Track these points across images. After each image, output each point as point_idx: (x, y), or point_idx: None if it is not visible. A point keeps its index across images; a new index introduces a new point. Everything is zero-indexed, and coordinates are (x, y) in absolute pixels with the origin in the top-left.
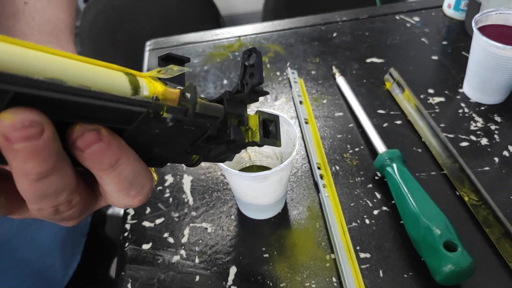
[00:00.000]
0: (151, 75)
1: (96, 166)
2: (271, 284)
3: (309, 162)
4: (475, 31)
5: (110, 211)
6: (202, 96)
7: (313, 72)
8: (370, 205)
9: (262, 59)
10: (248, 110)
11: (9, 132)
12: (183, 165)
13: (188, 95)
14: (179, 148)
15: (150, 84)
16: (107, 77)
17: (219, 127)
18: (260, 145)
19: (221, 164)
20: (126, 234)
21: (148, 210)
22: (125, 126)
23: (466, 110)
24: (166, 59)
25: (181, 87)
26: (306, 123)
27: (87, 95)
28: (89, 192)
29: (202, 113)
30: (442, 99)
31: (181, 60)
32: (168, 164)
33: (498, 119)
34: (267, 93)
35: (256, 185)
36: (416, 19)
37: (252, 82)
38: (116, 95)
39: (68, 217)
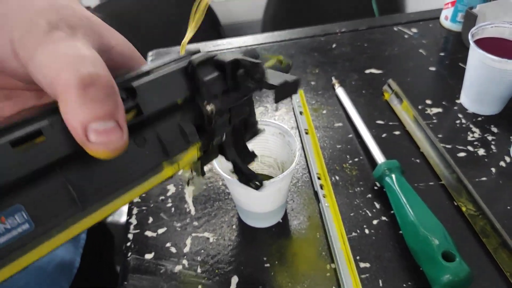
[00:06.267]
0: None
1: None
2: None
3: (309, 172)
4: (472, 44)
5: (109, 218)
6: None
7: (313, 83)
8: (370, 215)
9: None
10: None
11: None
12: (185, 175)
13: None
14: None
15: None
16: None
17: None
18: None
19: (222, 173)
20: (128, 243)
21: (151, 220)
22: None
23: (463, 120)
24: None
25: (211, 107)
26: (306, 133)
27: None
28: None
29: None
30: (439, 109)
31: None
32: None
33: (494, 129)
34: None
35: (255, 194)
36: (414, 30)
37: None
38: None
39: None
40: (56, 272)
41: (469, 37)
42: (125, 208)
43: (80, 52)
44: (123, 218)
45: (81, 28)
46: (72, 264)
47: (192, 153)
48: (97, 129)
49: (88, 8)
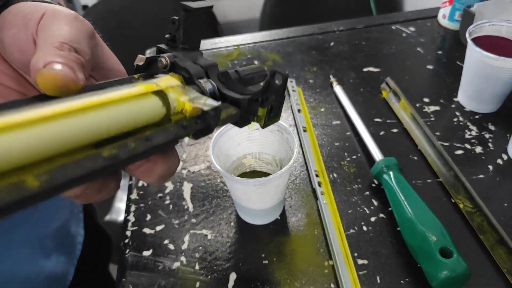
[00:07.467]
0: (177, 84)
1: (143, 178)
2: None
3: (307, 169)
4: (469, 42)
5: (107, 217)
6: (222, 70)
7: (311, 81)
8: (368, 212)
9: (286, 84)
10: None
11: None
12: (183, 172)
13: (212, 113)
14: None
15: (179, 100)
16: (146, 111)
17: None
18: (263, 128)
19: (221, 170)
20: (126, 240)
21: (149, 217)
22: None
23: (461, 118)
24: (187, 9)
25: (201, 81)
26: (304, 131)
27: (137, 156)
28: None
29: (221, 124)
30: (437, 108)
31: (203, 9)
32: None
33: (492, 127)
34: (277, 117)
35: (253, 191)
36: (412, 29)
37: (272, 103)
38: (156, 144)
39: None
40: (46, 284)
41: (467, 35)
42: (123, 206)
43: (80, 38)
44: (121, 217)
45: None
46: (64, 277)
47: (170, 79)
48: (55, 65)
49: (85, 7)
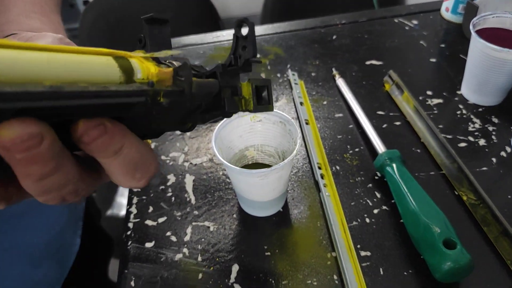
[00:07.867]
0: (144, 55)
1: (101, 154)
2: (273, 281)
3: (310, 162)
4: (473, 34)
5: (109, 212)
6: (196, 63)
7: (313, 74)
8: (370, 204)
9: (254, 31)
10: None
11: (9, 146)
12: (185, 164)
13: (183, 75)
14: (175, 120)
15: (143, 65)
16: (100, 68)
17: (214, 99)
18: (253, 112)
19: (223, 161)
20: (129, 232)
21: (151, 209)
22: (124, 115)
23: (464, 111)
24: (150, 21)
25: (173, 62)
26: (307, 123)
27: (87, 96)
28: (93, 174)
29: (197, 92)
30: (440, 100)
31: (164, 20)
32: (170, 165)
33: (495, 120)
34: (260, 61)
35: (256, 182)
36: (415, 22)
37: (245, 55)
38: (114, 90)
39: (74, 201)
40: None
41: (471, 27)
42: (125, 201)
43: None
44: (122, 212)
45: None
46: (53, 286)
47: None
48: None
49: (86, 2)
